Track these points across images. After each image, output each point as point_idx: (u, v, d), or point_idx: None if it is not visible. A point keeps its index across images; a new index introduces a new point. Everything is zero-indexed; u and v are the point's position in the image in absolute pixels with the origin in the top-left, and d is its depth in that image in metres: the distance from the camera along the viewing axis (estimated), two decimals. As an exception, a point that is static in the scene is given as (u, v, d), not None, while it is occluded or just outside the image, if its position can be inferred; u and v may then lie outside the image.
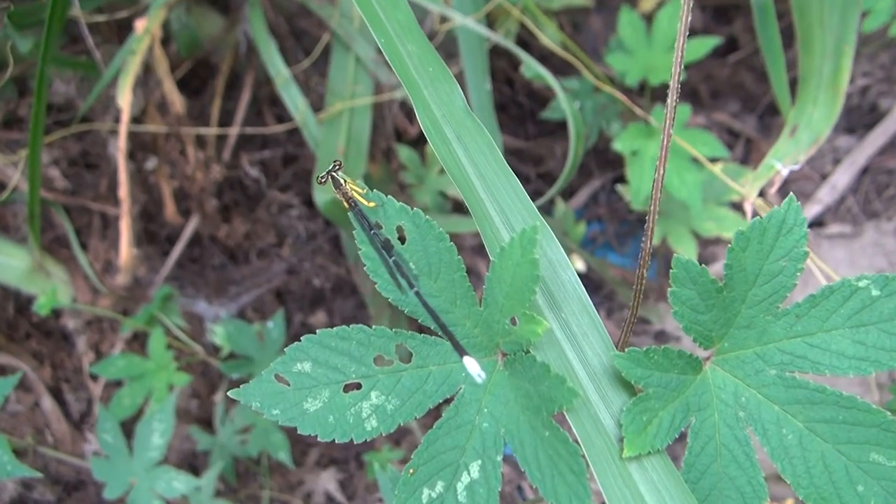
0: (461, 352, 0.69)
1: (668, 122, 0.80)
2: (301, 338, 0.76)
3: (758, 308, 0.70)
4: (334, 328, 0.75)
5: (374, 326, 0.75)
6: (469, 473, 0.71)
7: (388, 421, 0.74)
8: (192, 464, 1.89)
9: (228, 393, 0.79)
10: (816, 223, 1.86)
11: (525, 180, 1.93)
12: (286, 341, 1.75)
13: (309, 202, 1.92)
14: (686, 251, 1.68)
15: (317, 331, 0.76)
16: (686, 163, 1.61)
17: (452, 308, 0.73)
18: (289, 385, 0.76)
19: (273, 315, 1.75)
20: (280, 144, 1.92)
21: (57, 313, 1.84)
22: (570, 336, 0.73)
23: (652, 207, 0.78)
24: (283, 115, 1.90)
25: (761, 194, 1.27)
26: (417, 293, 0.69)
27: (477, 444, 0.72)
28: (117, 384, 1.81)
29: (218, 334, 1.79)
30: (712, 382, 0.71)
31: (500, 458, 0.71)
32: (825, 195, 1.85)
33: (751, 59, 2.04)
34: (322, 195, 1.64)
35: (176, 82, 1.81)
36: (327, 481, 1.90)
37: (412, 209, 0.73)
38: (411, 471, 0.72)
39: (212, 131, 1.83)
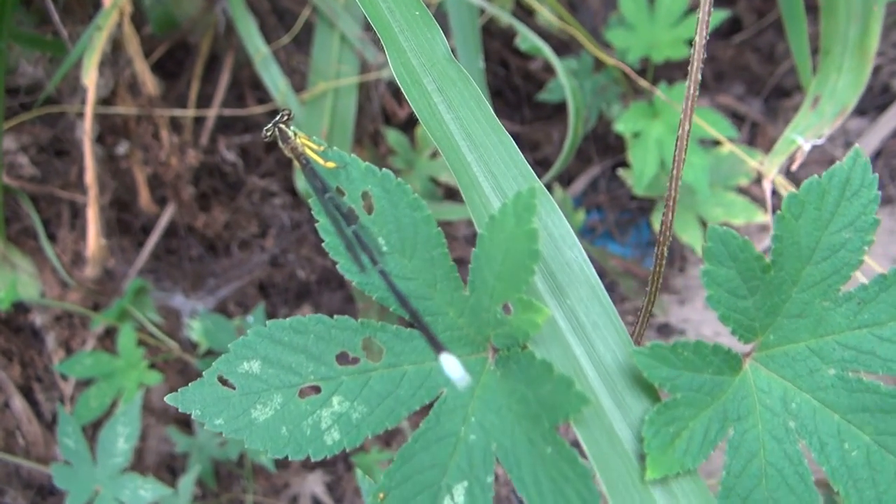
0: (437, 347, 0.52)
1: (690, 98, 0.64)
2: (247, 331, 0.60)
3: (813, 291, 0.54)
4: (287, 319, 0.59)
5: (335, 317, 0.59)
6: (453, 498, 0.55)
7: (352, 433, 0.58)
8: (171, 466, 1.73)
9: (166, 398, 0.63)
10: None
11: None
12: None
13: (293, 189, 1.76)
14: (692, 239, 1.52)
15: (267, 322, 0.60)
16: (692, 144, 1.45)
17: (431, 293, 0.57)
18: (234, 389, 0.60)
19: (254, 309, 1.59)
20: (261, 128, 1.76)
21: (25, 309, 1.68)
22: (578, 328, 0.57)
23: (674, 175, 0.62)
24: (265, 100, 1.74)
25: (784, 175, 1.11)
26: (382, 272, 0.53)
27: (462, 461, 0.56)
28: (90, 383, 1.65)
29: (195, 329, 1.63)
30: (754, 384, 0.55)
31: (490, 480, 0.55)
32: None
33: (755, 40, 1.89)
34: (306, 181, 1.48)
35: (151, 66, 1.65)
36: (314, 484, 1.74)
37: (381, 171, 0.57)
38: (381, 495, 0.56)
39: (187, 113, 1.67)
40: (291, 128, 0.61)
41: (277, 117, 0.62)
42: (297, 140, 0.60)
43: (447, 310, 0.57)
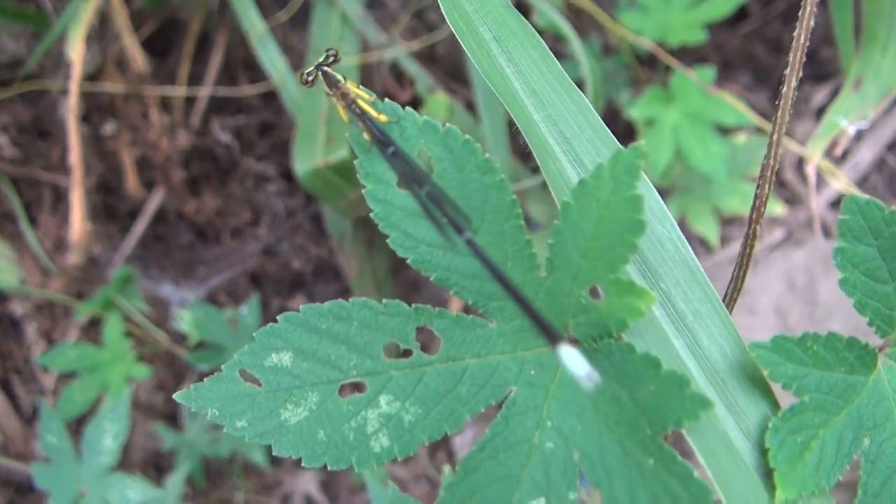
0: (552, 336, 0.41)
1: (785, 102, 0.54)
2: (278, 317, 0.50)
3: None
4: (326, 303, 0.49)
5: (384, 301, 0.49)
6: (527, 518, 0.45)
7: (404, 438, 0.47)
8: (158, 464, 1.61)
9: (175, 396, 0.53)
10: (838, 203, 1.62)
11: (523, 156, 1.68)
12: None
13: (288, 175, 1.64)
14: (707, 231, 1.43)
15: (301, 307, 0.49)
16: (710, 132, 1.37)
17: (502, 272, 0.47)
18: (260, 385, 0.50)
19: (247, 300, 1.47)
20: (255, 110, 1.64)
21: (4, 297, 1.55)
22: (676, 317, 0.47)
23: (771, 154, 0.52)
24: (259, 80, 1.63)
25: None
26: (470, 242, 0.42)
27: (538, 473, 0.46)
28: (73, 375, 1.53)
29: (185, 320, 1.51)
30: (889, 386, 0.45)
31: (573, 497, 0.45)
32: (847, 173, 1.62)
33: (763, 29, 1.80)
34: (303, 165, 1.37)
35: (140, 43, 1.53)
36: (307, 482, 1.64)
37: (443, 126, 0.47)
38: (442, 513, 0.46)
39: (178, 91, 1.55)
40: (336, 71, 0.50)
41: (322, 58, 0.51)
42: (347, 85, 0.49)
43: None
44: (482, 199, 0.46)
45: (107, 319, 1.36)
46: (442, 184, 0.46)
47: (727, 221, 1.64)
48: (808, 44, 0.50)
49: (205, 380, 0.51)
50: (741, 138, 1.46)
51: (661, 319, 0.46)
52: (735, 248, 1.57)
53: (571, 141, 0.51)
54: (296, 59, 1.54)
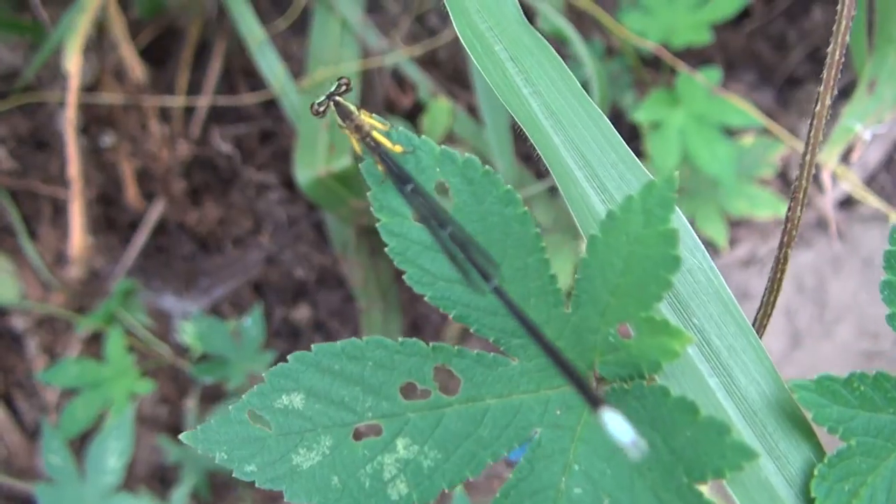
0: (593, 401, 0.37)
1: (819, 122, 0.51)
2: (288, 357, 0.47)
3: None
4: (339, 342, 0.46)
5: (400, 339, 0.46)
6: (556, 569, 0.42)
7: (424, 485, 0.45)
8: (163, 477, 1.59)
9: (182, 436, 0.50)
10: (846, 203, 1.59)
11: (525, 160, 1.65)
12: (267, 340, 1.45)
13: (289, 183, 1.61)
14: (716, 234, 1.41)
15: (312, 347, 0.46)
16: (717, 134, 1.34)
17: (524, 308, 0.44)
18: (270, 428, 0.47)
19: (250, 310, 1.44)
20: (255, 119, 1.61)
21: (4, 312, 1.52)
22: (710, 354, 0.44)
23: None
24: (258, 88, 1.59)
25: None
26: (498, 290, 0.39)
27: (566, 521, 0.43)
28: (76, 390, 1.50)
29: (188, 333, 1.48)
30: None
31: (605, 546, 0.42)
32: (855, 172, 1.59)
33: (766, 27, 1.77)
34: (305, 174, 1.34)
35: (138, 53, 1.50)
36: (313, 493, 1.60)
37: (462, 156, 0.44)
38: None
39: (177, 101, 1.52)
40: (349, 100, 0.47)
41: (334, 87, 0.48)
42: (361, 116, 0.46)
43: (543, 330, 0.44)
44: (504, 232, 0.43)
45: (108, 334, 1.33)
46: (461, 216, 0.43)
47: (735, 223, 1.61)
48: (843, 60, 0.47)
49: (212, 420, 0.48)
50: (748, 140, 1.43)
51: (695, 357, 0.44)
52: (743, 250, 1.55)
53: (594, 166, 0.48)
54: (296, 67, 1.51)
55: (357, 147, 0.46)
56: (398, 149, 0.44)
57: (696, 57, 1.63)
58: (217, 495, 1.57)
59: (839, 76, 0.51)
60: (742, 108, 1.33)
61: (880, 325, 1.43)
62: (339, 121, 0.46)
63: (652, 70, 1.62)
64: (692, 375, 0.43)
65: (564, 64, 0.51)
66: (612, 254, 0.41)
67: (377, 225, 0.45)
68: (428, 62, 1.59)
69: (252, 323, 1.40)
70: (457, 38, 1.47)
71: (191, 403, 1.51)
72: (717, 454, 0.38)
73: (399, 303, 1.58)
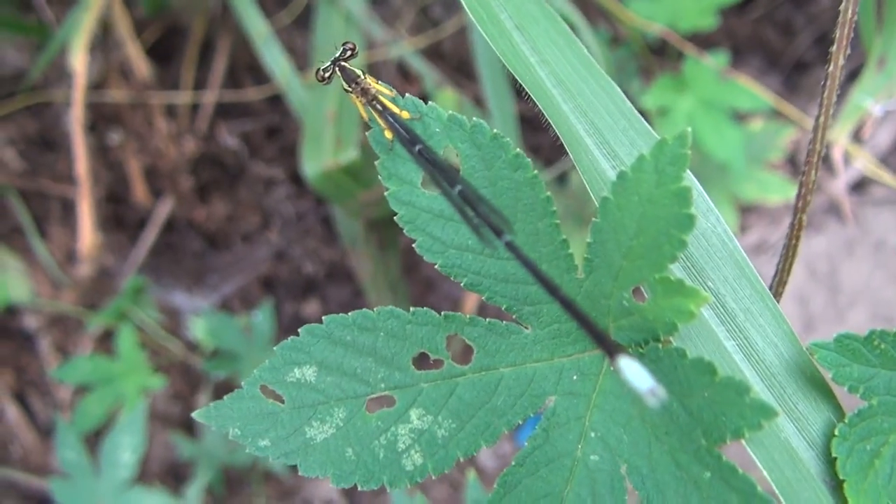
0: (610, 348, 0.37)
1: (826, 109, 0.50)
2: (299, 330, 0.47)
3: None
4: (350, 313, 0.46)
5: (412, 309, 0.45)
6: (573, 536, 0.42)
7: (438, 455, 0.44)
8: (177, 473, 1.59)
9: (193, 415, 0.50)
10: (857, 187, 1.58)
11: (534, 150, 1.64)
12: (277, 335, 1.44)
13: (296, 178, 1.61)
14: (727, 220, 1.40)
15: (323, 318, 0.46)
16: (725, 119, 1.33)
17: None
18: (283, 402, 0.47)
19: (260, 306, 1.44)
20: (261, 114, 1.61)
21: (17, 311, 1.53)
22: (726, 317, 0.43)
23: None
24: (263, 82, 1.59)
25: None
26: (510, 245, 0.39)
27: (582, 489, 0.42)
28: (88, 388, 1.50)
29: (199, 328, 1.48)
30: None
31: (623, 513, 0.41)
32: (865, 154, 1.57)
33: (773, 13, 1.76)
34: (312, 167, 1.34)
35: (144, 50, 1.50)
36: (328, 487, 1.60)
37: (470, 121, 0.44)
38: (481, 534, 0.43)
39: (183, 98, 1.52)
40: (355, 65, 0.47)
41: (339, 52, 0.47)
42: (367, 80, 0.45)
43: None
44: (514, 197, 0.43)
45: (120, 331, 1.33)
46: (470, 182, 0.43)
47: (746, 209, 1.60)
48: (851, 36, 0.46)
49: (225, 397, 0.48)
50: (757, 124, 1.42)
51: (711, 320, 0.43)
52: (754, 236, 1.54)
53: (604, 132, 0.47)
54: (300, 61, 1.51)
55: (363, 112, 0.46)
56: (405, 115, 0.44)
57: (702, 43, 1.62)
58: (231, 491, 1.57)
59: (848, 51, 0.50)
60: (751, 90, 1.32)
61: (894, 308, 1.42)
62: (345, 85, 0.46)
63: (658, 58, 1.61)
64: (708, 338, 0.43)
65: (571, 32, 0.50)
66: (625, 215, 0.40)
67: (386, 194, 0.44)
68: (433, 53, 1.59)
69: (262, 317, 1.40)
70: (462, 29, 1.47)
71: (203, 399, 1.51)
72: (737, 414, 0.37)
73: (408, 296, 1.57)
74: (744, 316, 0.43)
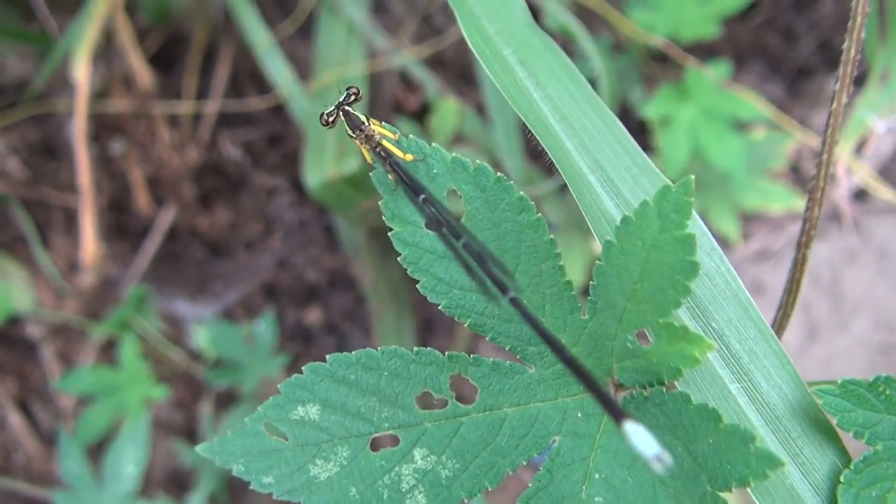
0: (617, 413, 0.36)
1: (835, 120, 0.51)
2: (303, 368, 0.47)
3: None
4: (353, 353, 0.46)
5: (415, 349, 0.45)
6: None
7: (442, 495, 0.44)
8: (180, 481, 1.59)
9: (198, 448, 0.50)
10: (859, 195, 1.58)
11: (535, 158, 1.64)
12: (279, 343, 1.44)
13: (299, 187, 1.61)
14: (728, 229, 1.39)
15: (327, 357, 0.46)
16: (727, 128, 1.32)
17: (539, 316, 0.44)
18: (287, 440, 0.46)
19: (262, 314, 1.44)
20: (263, 123, 1.61)
21: (20, 320, 1.53)
22: (730, 359, 0.43)
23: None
24: (265, 91, 1.59)
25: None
26: (514, 301, 0.39)
27: (587, 531, 0.42)
28: (92, 397, 1.50)
29: (201, 337, 1.48)
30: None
31: (627, 556, 0.41)
32: (867, 164, 1.57)
33: (775, 20, 1.76)
34: (314, 177, 1.34)
35: (147, 59, 1.50)
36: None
37: (474, 164, 0.43)
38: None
39: (186, 107, 1.52)
40: (359, 109, 0.47)
41: (343, 97, 0.47)
42: (371, 126, 0.45)
43: (559, 336, 0.44)
44: (517, 239, 0.42)
45: (123, 341, 1.33)
46: (474, 224, 0.43)
47: (747, 217, 1.60)
48: (858, 57, 0.46)
49: (228, 433, 0.48)
50: (759, 133, 1.42)
51: (715, 362, 0.43)
52: (756, 244, 1.53)
53: (608, 170, 0.47)
54: (302, 70, 1.50)
55: (367, 157, 0.46)
56: (409, 157, 0.43)
57: (704, 50, 1.62)
58: (234, 499, 1.57)
59: (854, 72, 0.50)
60: (750, 102, 1.32)
61: (896, 316, 1.42)
62: (349, 131, 0.46)
63: (660, 65, 1.61)
64: (713, 381, 0.43)
65: (575, 67, 0.50)
66: (629, 259, 0.40)
67: (390, 234, 0.44)
68: (435, 62, 1.58)
69: (265, 326, 1.40)
70: (463, 38, 1.46)
71: (205, 408, 1.51)
72: (742, 463, 0.37)
73: (411, 303, 1.57)
74: (748, 357, 0.42)
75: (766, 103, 1.34)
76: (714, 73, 1.34)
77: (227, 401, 1.55)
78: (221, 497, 1.48)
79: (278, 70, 1.44)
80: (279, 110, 1.59)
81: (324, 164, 1.34)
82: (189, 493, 1.40)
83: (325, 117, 0.47)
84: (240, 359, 1.39)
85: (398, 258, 0.44)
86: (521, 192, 0.42)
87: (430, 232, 0.44)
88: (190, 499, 1.36)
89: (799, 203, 1.39)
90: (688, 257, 0.38)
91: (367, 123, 0.45)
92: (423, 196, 0.41)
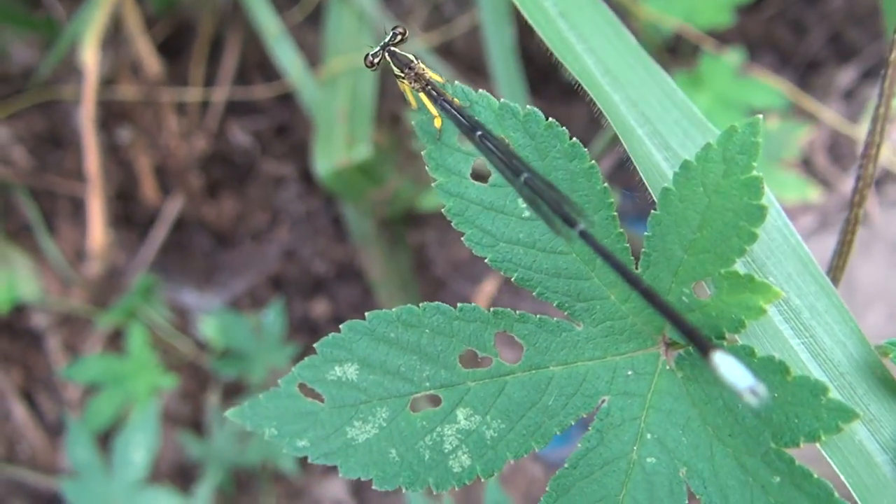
0: (702, 345, 0.34)
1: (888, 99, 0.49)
2: (340, 326, 0.45)
3: None
4: (394, 309, 0.44)
5: (459, 305, 0.43)
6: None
7: (487, 456, 0.42)
8: (187, 472, 1.57)
9: (227, 414, 0.48)
10: (874, 186, 1.56)
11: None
12: (287, 334, 1.42)
13: (307, 176, 1.59)
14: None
15: (366, 315, 0.44)
16: (741, 116, 1.31)
17: (588, 271, 0.42)
18: (322, 401, 0.44)
19: (269, 305, 1.42)
20: (271, 112, 1.59)
21: (26, 309, 1.50)
22: (791, 315, 0.41)
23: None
24: (273, 79, 1.57)
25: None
26: (583, 233, 0.37)
27: (640, 493, 0.40)
28: (98, 387, 1.48)
29: (208, 327, 1.46)
30: None
31: (684, 518, 0.39)
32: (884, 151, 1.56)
33: (786, 12, 1.75)
34: (324, 165, 1.32)
35: (155, 47, 1.48)
36: (337, 487, 1.58)
37: (524, 109, 0.42)
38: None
39: (193, 95, 1.50)
40: (405, 51, 0.45)
41: (388, 37, 0.45)
42: (420, 65, 0.43)
43: (608, 293, 0.42)
44: (569, 188, 0.41)
45: (130, 330, 1.31)
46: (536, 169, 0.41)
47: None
48: None
49: (261, 396, 0.46)
50: (773, 123, 1.40)
51: (776, 318, 0.41)
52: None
53: (654, 122, 0.46)
54: (311, 58, 1.49)
55: (412, 99, 0.44)
56: (456, 103, 0.42)
57: (716, 42, 1.61)
58: (241, 490, 1.55)
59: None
60: (769, 86, 1.31)
61: (910, 308, 1.40)
62: (397, 70, 0.44)
63: (672, 56, 1.59)
64: (774, 337, 0.41)
65: (618, 19, 0.48)
66: (688, 207, 0.38)
67: (434, 185, 0.42)
68: (445, 51, 1.57)
69: (273, 316, 1.38)
70: (474, 27, 1.45)
71: (212, 398, 1.49)
72: (812, 416, 0.35)
73: (419, 295, 1.55)
74: (809, 313, 0.41)
75: (783, 87, 1.32)
76: (731, 59, 1.33)
77: (234, 392, 1.53)
78: (229, 489, 1.46)
79: (287, 58, 1.42)
80: (287, 99, 1.57)
81: (333, 152, 1.32)
82: (195, 485, 1.38)
83: (371, 58, 0.45)
84: (247, 349, 1.37)
85: (442, 209, 0.42)
86: (574, 139, 0.40)
87: (475, 183, 0.42)
88: (197, 490, 1.34)
89: (814, 194, 1.37)
90: (754, 201, 0.36)
91: (416, 62, 0.44)
92: (479, 132, 0.39)
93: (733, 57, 1.33)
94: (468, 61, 1.59)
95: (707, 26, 1.35)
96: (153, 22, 1.54)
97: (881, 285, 1.42)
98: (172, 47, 1.58)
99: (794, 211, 1.52)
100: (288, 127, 1.61)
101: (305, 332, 1.58)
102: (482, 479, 0.41)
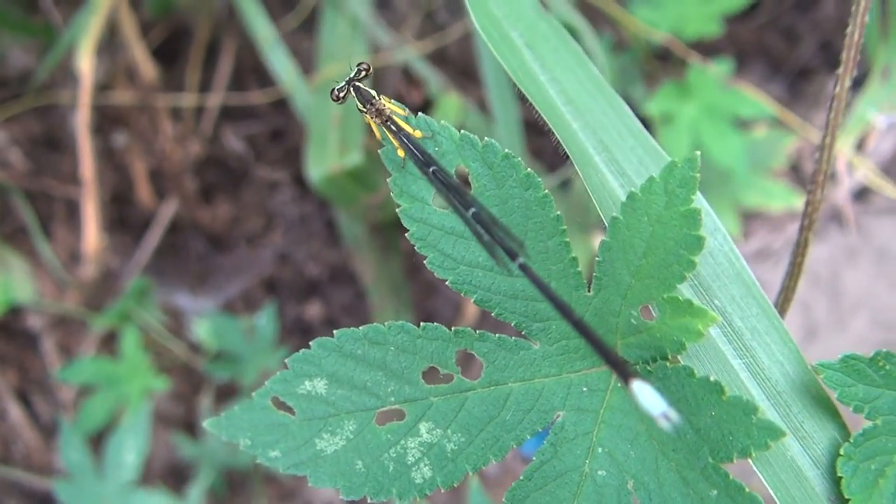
0: (624, 373, 0.37)
1: (835, 118, 0.51)
2: (310, 343, 0.47)
3: None
4: (361, 328, 0.46)
5: (422, 324, 0.46)
6: (580, 551, 0.42)
7: (447, 468, 0.45)
8: (179, 473, 1.59)
9: (205, 424, 0.50)
10: (859, 196, 1.58)
11: (536, 155, 1.65)
12: (280, 337, 1.45)
13: (300, 181, 1.62)
14: (730, 226, 1.40)
15: (334, 332, 0.47)
16: (729, 126, 1.33)
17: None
18: (293, 414, 0.47)
19: (263, 308, 1.45)
20: (266, 117, 1.61)
21: (21, 311, 1.53)
22: (733, 336, 0.44)
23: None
24: (268, 85, 1.60)
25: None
26: (523, 267, 0.39)
27: None
28: (92, 388, 1.51)
29: (202, 330, 1.49)
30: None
31: (630, 528, 0.42)
32: (867, 163, 1.58)
33: (777, 20, 1.77)
34: (317, 171, 1.34)
35: (150, 52, 1.50)
36: (328, 489, 1.60)
37: (482, 140, 0.44)
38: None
39: (189, 100, 1.52)
40: (369, 86, 0.47)
41: (353, 72, 0.48)
42: (382, 101, 0.46)
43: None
44: (524, 215, 0.43)
45: (124, 332, 1.34)
46: (482, 200, 0.43)
47: (748, 216, 1.61)
48: (858, 58, 0.47)
49: (235, 407, 0.49)
50: (760, 132, 1.43)
51: (718, 339, 0.44)
52: (756, 243, 1.54)
53: (612, 150, 0.48)
54: (306, 65, 1.51)
55: (377, 132, 0.46)
56: (418, 134, 0.44)
57: (706, 50, 1.63)
58: (233, 491, 1.57)
59: (858, 56, 0.51)
60: (754, 99, 1.33)
61: (895, 315, 1.42)
62: (360, 105, 0.47)
63: (662, 63, 1.62)
64: (715, 357, 0.44)
65: (581, 50, 0.51)
66: (634, 235, 0.41)
67: (398, 211, 0.45)
68: (438, 58, 1.59)
69: (266, 320, 1.41)
70: (467, 34, 1.48)
71: (205, 401, 1.52)
72: (744, 434, 0.38)
73: (411, 299, 1.58)
74: (750, 335, 0.43)
75: (769, 100, 1.35)
76: (717, 71, 1.35)
77: (226, 394, 1.56)
78: (221, 490, 1.49)
79: (281, 64, 1.44)
80: (281, 105, 1.60)
81: (326, 158, 1.34)
82: (187, 486, 1.41)
83: (336, 92, 0.47)
84: (240, 352, 1.40)
85: (406, 234, 0.44)
86: (529, 169, 0.43)
87: (437, 209, 0.44)
88: (189, 491, 1.36)
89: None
90: (693, 232, 0.38)
91: (377, 98, 0.46)
92: (432, 168, 0.41)
93: (720, 69, 1.35)
94: (461, 68, 1.62)
95: (696, 36, 1.37)
96: (149, 28, 1.56)
97: (867, 292, 1.45)
98: (168, 53, 1.61)
99: (780, 219, 1.55)
100: (282, 132, 1.63)
101: (299, 335, 1.61)
102: (442, 490, 0.44)
